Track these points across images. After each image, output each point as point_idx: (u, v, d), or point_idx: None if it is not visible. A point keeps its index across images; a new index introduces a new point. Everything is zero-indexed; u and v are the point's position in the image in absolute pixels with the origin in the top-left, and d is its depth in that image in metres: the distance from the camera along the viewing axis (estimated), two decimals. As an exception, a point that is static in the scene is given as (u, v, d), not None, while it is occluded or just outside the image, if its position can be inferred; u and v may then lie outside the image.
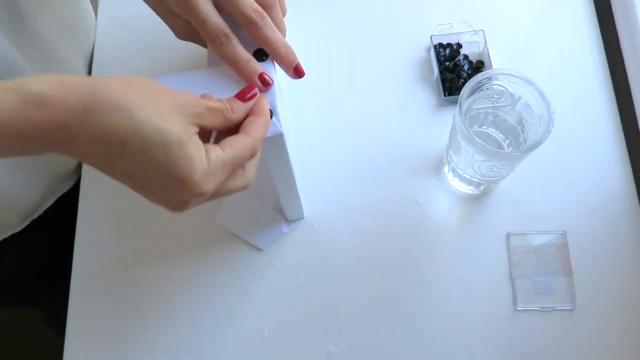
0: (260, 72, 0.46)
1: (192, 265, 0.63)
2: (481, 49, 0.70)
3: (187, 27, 0.50)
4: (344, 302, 0.61)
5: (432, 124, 0.68)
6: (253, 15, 0.46)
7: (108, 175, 0.39)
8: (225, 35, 0.46)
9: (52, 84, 0.35)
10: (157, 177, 0.38)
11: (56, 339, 0.62)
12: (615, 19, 0.71)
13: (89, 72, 0.73)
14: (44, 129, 0.35)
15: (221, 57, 0.47)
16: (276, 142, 0.47)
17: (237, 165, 0.42)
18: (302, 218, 0.64)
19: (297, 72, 0.49)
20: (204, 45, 0.52)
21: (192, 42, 0.53)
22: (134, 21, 0.72)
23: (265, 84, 0.46)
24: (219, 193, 0.42)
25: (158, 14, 0.52)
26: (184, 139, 0.38)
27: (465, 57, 0.70)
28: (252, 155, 0.43)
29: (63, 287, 0.63)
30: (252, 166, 0.45)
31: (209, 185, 0.40)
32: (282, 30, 0.49)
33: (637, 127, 0.65)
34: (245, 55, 0.46)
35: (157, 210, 0.66)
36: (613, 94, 0.69)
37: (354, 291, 0.62)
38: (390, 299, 0.61)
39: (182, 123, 0.38)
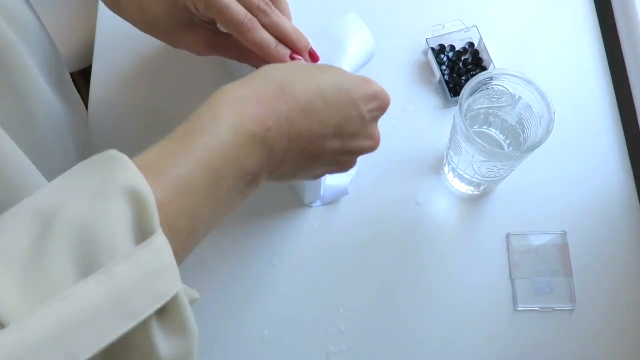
0: (310, 48, 0.47)
1: (192, 265, 0.63)
2: (477, 45, 0.70)
3: (209, 36, 0.50)
4: (344, 302, 0.61)
5: (432, 124, 0.68)
6: (262, 3, 0.46)
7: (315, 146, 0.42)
8: (251, 19, 0.45)
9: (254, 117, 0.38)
10: (348, 105, 0.42)
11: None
12: (615, 18, 0.71)
13: (87, 80, 0.73)
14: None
15: (250, 45, 0.46)
16: None
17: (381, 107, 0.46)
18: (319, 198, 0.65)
19: (312, 57, 0.48)
20: (228, 55, 0.51)
21: (215, 54, 0.51)
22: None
23: (315, 59, 0.47)
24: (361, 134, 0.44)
25: (174, 40, 0.50)
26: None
27: (464, 54, 0.70)
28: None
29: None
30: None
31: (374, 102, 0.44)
32: (289, 18, 0.49)
33: (637, 127, 0.65)
34: (273, 40, 0.46)
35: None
36: (613, 94, 0.69)
37: (354, 291, 0.62)
38: (390, 299, 0.61)
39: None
